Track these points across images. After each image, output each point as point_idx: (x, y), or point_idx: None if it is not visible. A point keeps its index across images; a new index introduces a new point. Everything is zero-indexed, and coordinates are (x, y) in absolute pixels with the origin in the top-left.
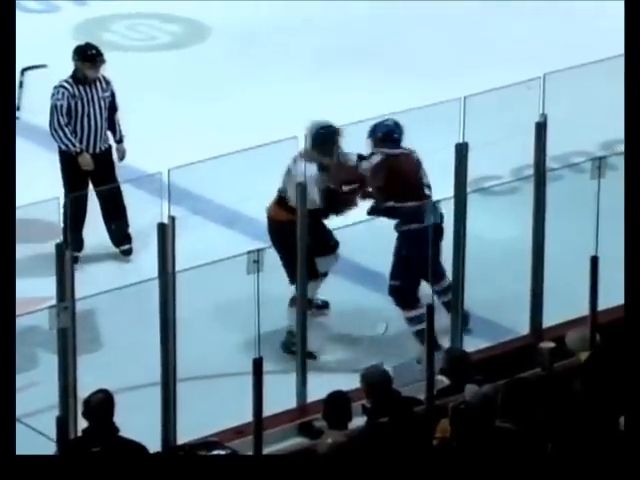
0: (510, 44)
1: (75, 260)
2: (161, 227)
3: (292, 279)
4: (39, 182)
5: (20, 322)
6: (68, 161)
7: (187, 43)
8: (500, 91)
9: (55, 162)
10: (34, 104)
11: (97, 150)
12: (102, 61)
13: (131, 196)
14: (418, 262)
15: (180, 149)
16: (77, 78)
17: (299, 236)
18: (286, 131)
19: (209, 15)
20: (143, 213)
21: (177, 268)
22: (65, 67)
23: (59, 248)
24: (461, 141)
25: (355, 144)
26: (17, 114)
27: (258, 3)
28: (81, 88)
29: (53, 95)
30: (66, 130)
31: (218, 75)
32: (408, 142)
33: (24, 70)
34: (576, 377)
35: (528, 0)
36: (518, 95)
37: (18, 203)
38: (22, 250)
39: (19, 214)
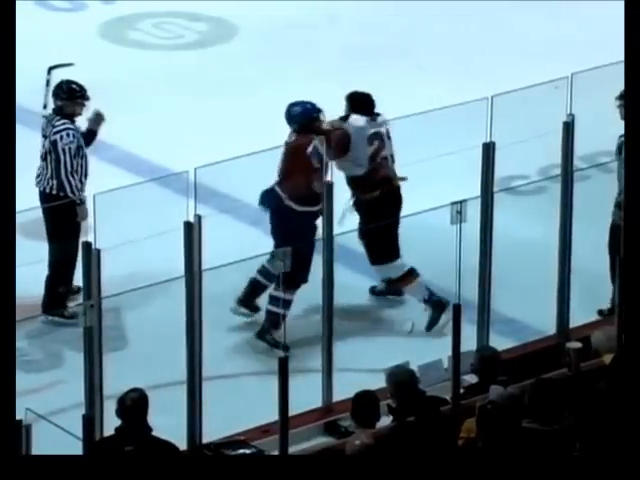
0: (538, 43)
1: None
2: (187, 226)
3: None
4: None
5: (43, 321)
6: (67, 210)
7: (214, 42)
8: (528, 90)
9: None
10: None
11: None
12: (89, 97)
13: (157, 195)
14: None
15: (207, 148)
16: (66, 117)
17: (325, 233)
18: None
19: (236, 14)
20: (169, 212)
21: (203, 267)
22: (92, 66)
23: (86, 247)
24: (488, 140)
25: None
26: (44, 112)
27: (285, 2)
28: (76, 126)
29: (61, 139)
30: (76, 177)
31: (245, 73)
32: (436, 141)
33: (51, 69)
34: (602, 377)
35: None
36: (546, 94)
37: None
38: (38, 248)
39: (37, 213)
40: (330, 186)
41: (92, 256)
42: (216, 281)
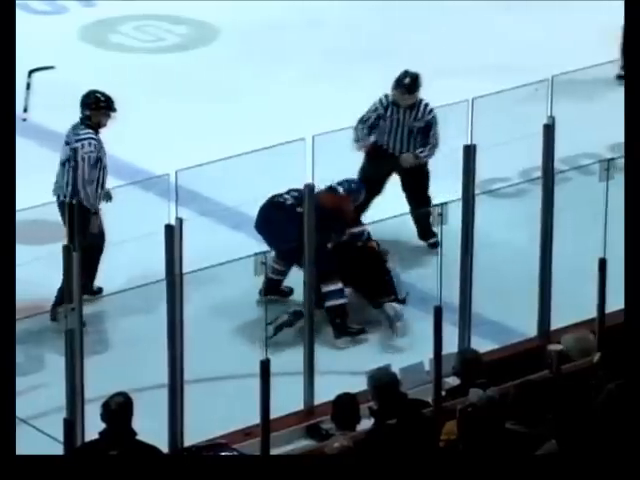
0: (519, 44)
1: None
2: (168, 229)
3: None
4: (44, 183)
5: (28, 324)
6: (81, 217)
7: (195, 45)
8: (508, 93)
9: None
10: (41, 105)
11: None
12: (115, 109)
13: (139, 198)
14: None
15: (188, 151)
16: (91, 127)
17: (306, 236)
18: (295, 132)
19: (217, 16)
20: (150, 215)
21: (184, 270)
22: (72, 69)
23: (66, 250)
24: (469, 143)
25: None
26: (24, 115)
27: (266, 4)
28: (99, 137)
29: (82, 147)
30: (92, 187)
31: (227, 76)
32: None
33: (32, 72)
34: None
35: (537, 0)
36: (526, 97)
37: (22, 204)
38: (27, 252)
39: (23, 215)
40: (312, 188)
41: (73, 260)
42: (197, 284)
